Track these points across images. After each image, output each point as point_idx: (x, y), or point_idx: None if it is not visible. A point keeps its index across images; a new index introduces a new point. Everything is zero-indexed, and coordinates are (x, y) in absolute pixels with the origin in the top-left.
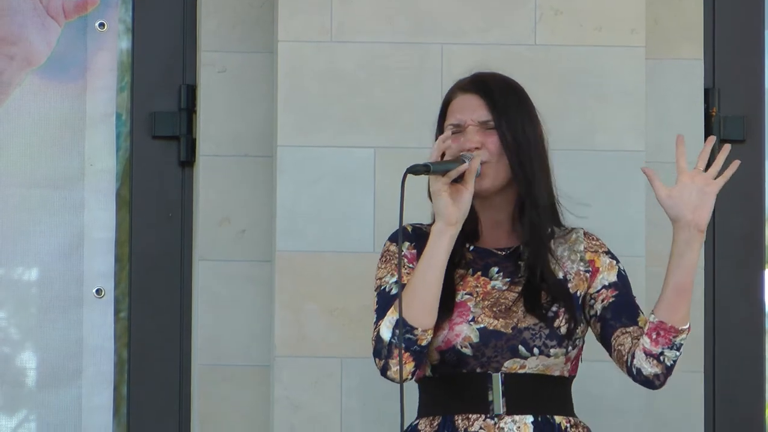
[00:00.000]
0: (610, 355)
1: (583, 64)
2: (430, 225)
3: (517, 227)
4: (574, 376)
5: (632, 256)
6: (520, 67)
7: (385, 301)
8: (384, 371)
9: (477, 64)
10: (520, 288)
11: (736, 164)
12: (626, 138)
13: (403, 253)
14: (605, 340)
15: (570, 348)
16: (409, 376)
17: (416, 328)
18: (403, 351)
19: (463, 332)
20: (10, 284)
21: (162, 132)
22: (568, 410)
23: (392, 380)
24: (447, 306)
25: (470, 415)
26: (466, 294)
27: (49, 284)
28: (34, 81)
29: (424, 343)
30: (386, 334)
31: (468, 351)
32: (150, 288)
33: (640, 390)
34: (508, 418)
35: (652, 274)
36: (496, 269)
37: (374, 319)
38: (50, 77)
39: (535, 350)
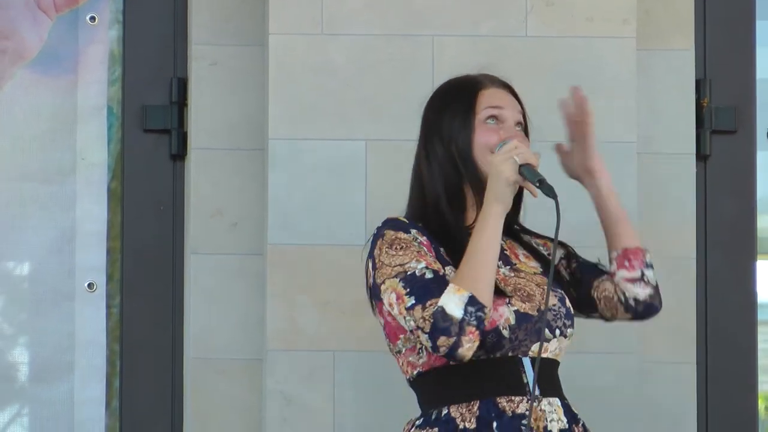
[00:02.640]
0: (596, 310)
1: (574, 56)
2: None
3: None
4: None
5: None
6: (512, 59)
7: (420, 284)
8: (454, 348)
9: (468, 56)
10: (522, 273)
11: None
12: (617, 129)
13: (419, 240)
14: (586, 298)
15: (574, 326)
16: (470, 355)
17: (486, 307)
18: (475, 329)
19: (505, 314)
20: (2, 278)
21: (153, 125)
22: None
23: (460, 359)
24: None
25: (513, 398)
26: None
27: (40, 278)
28: (26, 75)
29: (487, 321)
30: (458, 311)
31: (507, 333)
32: (142, 281)
33: (631, 382)
34: (544, 400)
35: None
36: (510, 262)
37: (409, 303)
38: (42, 71)
39: (557, 331)
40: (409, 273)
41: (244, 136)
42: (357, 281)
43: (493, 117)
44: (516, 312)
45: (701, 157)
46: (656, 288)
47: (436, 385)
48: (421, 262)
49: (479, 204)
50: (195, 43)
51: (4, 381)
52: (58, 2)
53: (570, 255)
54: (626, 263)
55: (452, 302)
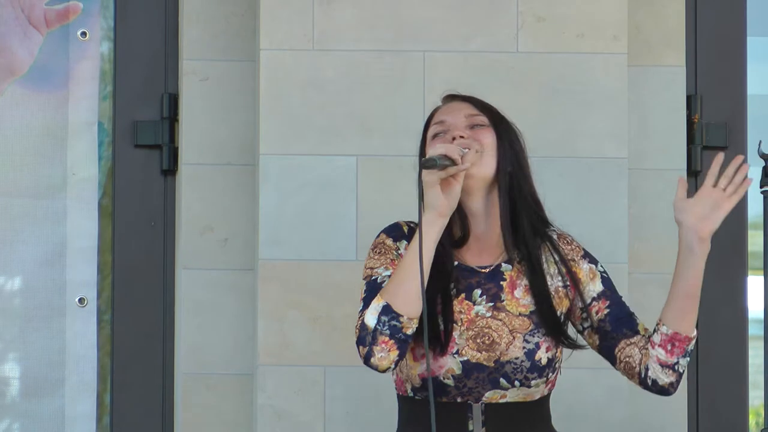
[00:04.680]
0: (613, 365)
1: (565, 71)
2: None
3: (508, 239)
4: (552, 388)
5: (615, 262)
6: (503, 75)
7: (373, 290)
8: (367, 358)
9: (459, 72)
10: (502, 314)
11: (748, 182)
12: (609, 145)
13: (400, 251)
14: (608, 351)
15: (550, 374)
16: (392, 365)
17: (402, 315)
18: (388, 338)
19: (447, 364)
20: None
21: (144, 141)
22: (546, 427)
23: (374, 368)
24: (441, 341)
25: None
26: (449, 322)
27: (31, 293)
28: (17, 90)
29: (409, 332)
30: (371, 320)
31: (450, 382)
32: (133, 297)
33: (621, 398)
34: None
35: (635, 280)
36: (479, 292)
37: (359, 308)
38: (32, 87)
39: (516, 383)
40: (372, 278)
41: (235, 151)
42: (347, 296)
43: (438, 132)
44: (465, 362)
45: (692, 173)
46: (681, 374)
47: (402, 411)
48: (389, 269)
49: (456, 218)
50: (186, 59)
51: None
52: (49, 18)
53: (605, 295)
54: (669, 347)
55: (370, 312)
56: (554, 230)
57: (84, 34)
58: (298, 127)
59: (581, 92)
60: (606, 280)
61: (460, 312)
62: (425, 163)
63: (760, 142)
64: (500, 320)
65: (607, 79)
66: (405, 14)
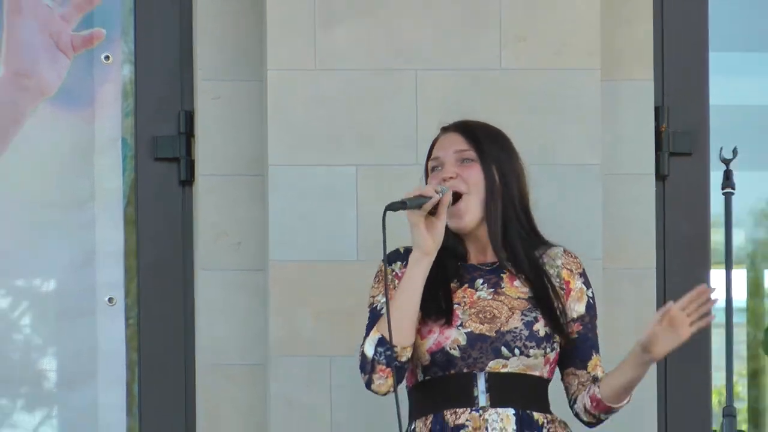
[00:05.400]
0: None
1: (544, 86)
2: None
3: (503, 244)
4: (551, 379)
5: (592, 258)
6: (488, 90)
7: (374, 318)
8: (368, 385)
9: (449, 88)
10: (502, 296)
11: (710, 318)
12: (584, 152)
13: (395, 272)
14: (559, 364)
15: (548, 349)
16: (390, 389)
17: (396, 346)
18: (385, 366)
19: (452, 336)
20: (30, 295)
21: (163, 154)
22: (545, 408)
23: (375, 393)
24: (446, 314)
25: (457, 410)
26: (455, 304)
27: (65, 295)
28: (47, 110)
29: (403, 359)
30: (369, 351)
31: (456, 353)
32: (156, 296)
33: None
34: (491, 410)
35: (610, 274)
36: (480, 281)
37: (364, 335)
38: (61, 106)
39: (516, 351)
40: (374, 306)
41: (246, 163)
42: (349, 293)
43: (435, 167)
44: (469, 333)
45: (660, 177)
46: (601, 422)
47: (410, 401)
48: (384, 297)
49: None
50: (201, 79)
51: (35, 387)
52: (75, 43)
53: (582, 320)
54: (596, 404)
55: (368, 343)
56: (561, 246)
57: (107, 57)
58: (302, 140)
59: (559, 104)
60: (590, 307)
61: (464, 297)
62: (392, 206)
63: (722, 148)
64: (500, 301)
65: (583, 93)
66: (398, 36)
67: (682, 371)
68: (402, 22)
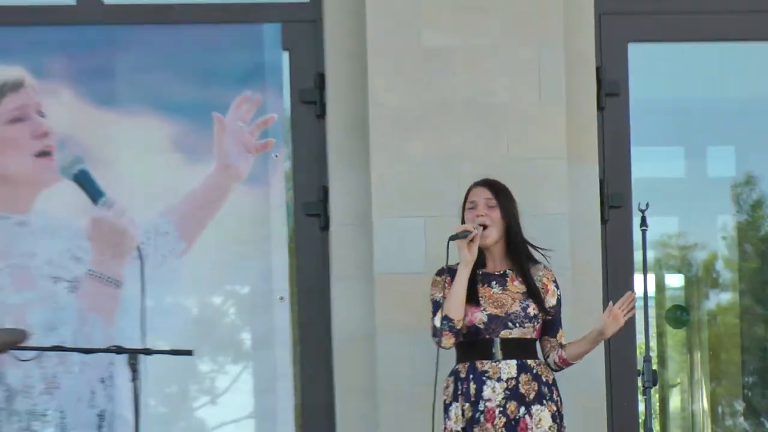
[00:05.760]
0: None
1: (528, 172)
2: (457, 264)
3: (507, 259)
4: (537, 339)
5: (564, 269)
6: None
7: (436, 307)
8: (439, 343)
9: (485, 174)
10: (507, 291)
11: (633, 312)
12: (556, 206)
13: (445, 280)
14: (539, 335)
15: (535, 323)
16: (452, 345)
17: (453, 319)
18: (448, 331)
19: (479, 316)
20: (235, 295)
21: (310, 212)
22: (535, 356)
23: (444, 347)
24: (476, 303)
25: (483, 361)
26: (479, 297)
27: (255, 295)
28: (240, 188)
29: (458, 327)
30: (438, 323)
31: (481, 326)
32: (308, 297)
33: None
34: (503, 362)
35: (575, 285)
36: (494, 282)
37: (431, 316)
38: (249, 186)
39: (517, 325)
40: (435, 300)
41: (360, 216)
42: (422, 298)
43: (471, 207)
44: (488, 315)
45: (603, 221)
46: (561, 369)
47: (457, 353)
48: (440, 293)
49: (482, 258)
50: (331, 169)
51: (238, 352)
52: (257, 147)
53: (552, 309)
54: (559, 360)
55: (437, 319)
56: (540, 262)
57: (276, 155)
58: (397, 199)
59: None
60: (558, 301)
61: (484, 293)
62: (454, 237)
63: (639, 203)
64: (506, 294)
65: (555, 190)
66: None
67: (619, 336)
68: None
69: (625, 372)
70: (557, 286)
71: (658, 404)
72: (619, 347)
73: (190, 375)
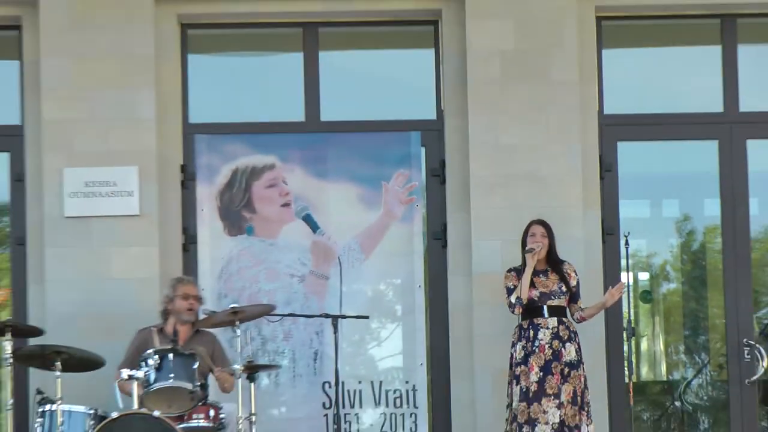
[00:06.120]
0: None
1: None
2: (522, 266)
3: (548, 262)
4: (566, 306)
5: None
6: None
7: (509, 291)
8: (513, 312)
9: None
10: (549, 280)
11: (622, 293)
12: (575, 230)
13: (513, 274)
14: (568, 303)
15: (566, 296)
16: (520, 313)
17: (522, 299)
18: (519, 306)
19: (534, 294)
20: (401, 289)
21: (437, 237)
22: (566, 315)
23: (515, 314)
24: (533, 284)
25: (538, 318)
26: (534, 283)
27: (404, 290)
28: (395, 226)
29: (524, 303)
30: (513, 300)
31: (536, 298)
32: (436, 291)
33: None
34: (549, 318)
35: (587, 278)
36: (541, 275)
37: (506, 296)
38: (401, 224)
39: (556, 297)
40: (508, 287)
41: (465, 240)
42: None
43: (531, 235)
44: (540, 292)
45: (603, 242)
46: (579, 323)
47: (521, 316)
48: (512, 282)
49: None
50: (448, 213)
51: (394, 320)
52: (406, 201)
53: (574, 288)
54: (579, 317)
55: (512, 297)
56: (566, 261)
57: (417, 205)
58: (484, 231)
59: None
60: (577, 283)
61: (536, 281)
62: (527, 251)
63: (624, 231)
64: (549, 281)
65: (573, 219)
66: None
67: (613, 307)
68: None
69: (616, 328)
70: (576, 274)
71: (634, 347)
72: (612, 314)
73: (366, 330)
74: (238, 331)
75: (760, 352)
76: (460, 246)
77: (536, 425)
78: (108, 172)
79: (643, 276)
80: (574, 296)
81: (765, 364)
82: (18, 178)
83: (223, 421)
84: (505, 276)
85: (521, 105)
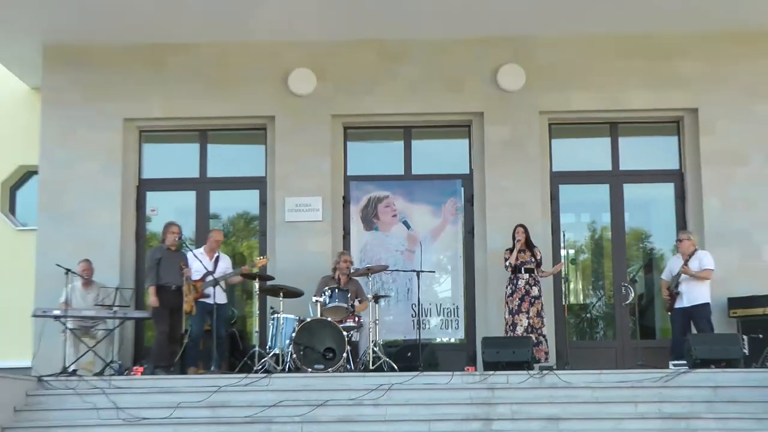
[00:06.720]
0: None
1: None
2: (512, 247)
3: (527, 246)
4: (534, 269)
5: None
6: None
7: (506, 260)
8: (507, 270)
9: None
10: (524, 255)
11: (561, 264)
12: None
13: (506, 252)
14: (536, 267)
15: (534, 264)
16: (511, 272)
17: (511, 263)
18: (510, 268)
19: (518, 262)
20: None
21: (469, 232)
22: (534, 275)
23: (507, 271)
24: (517, 258)
25: (519, 274)
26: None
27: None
28: (449, 227)
29: (513, 266)
30: (507, 264)
31: (519, 264)
32: (468, 284)
33: None
34: (525, 275)
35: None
36: (521, 252)
37: (504, 262)
38: (452, 225)
39: (529, 264)
40: (504, 258)
41: (483, 233)
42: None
43: (517, 239)
44: (521, 261)
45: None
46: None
47: (512, 272)
48: (507, 255)
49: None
50: (475, 220)
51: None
52: (454, 214)
53: (538, 260)
54: (540, 277)
55: (506, 263)
56: (537, 246)
57: (459, 216)
58: (494, 227)
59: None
60: (541, 257)
61: (519, 256)
62: (515, 241)
63: (563, 231)
64: (526, 255)
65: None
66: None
67: (556, 274)
68: None
69: (558, 278)
70: (540, 252)
71: (566, 287)
72: (557, 274)
73: (433, 279)
74: (370, 279)
75: (629, 290)
76: (480, 237)
77: (516, 326)
78: (307, 200)
79: (572, 251)
80: (538, 263)
81: (632, 296)
82: (263, 202)
83: (362, 323)
84: (504, 252)
85: (511, 166)
